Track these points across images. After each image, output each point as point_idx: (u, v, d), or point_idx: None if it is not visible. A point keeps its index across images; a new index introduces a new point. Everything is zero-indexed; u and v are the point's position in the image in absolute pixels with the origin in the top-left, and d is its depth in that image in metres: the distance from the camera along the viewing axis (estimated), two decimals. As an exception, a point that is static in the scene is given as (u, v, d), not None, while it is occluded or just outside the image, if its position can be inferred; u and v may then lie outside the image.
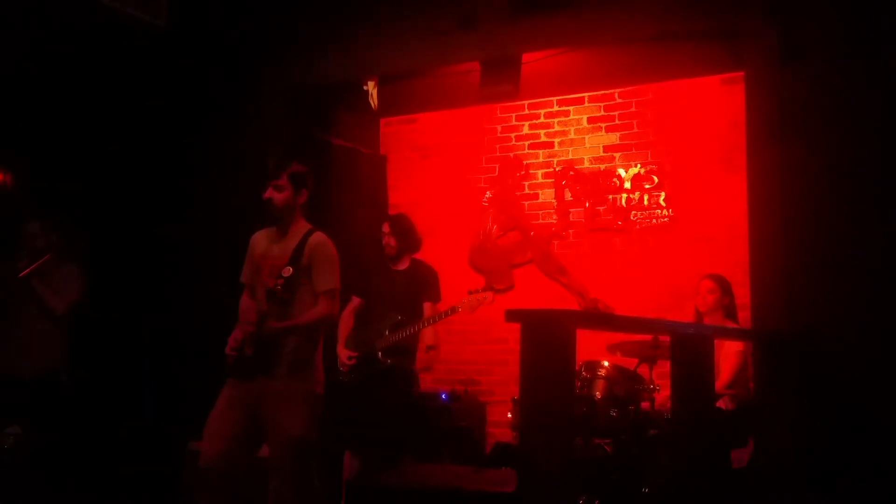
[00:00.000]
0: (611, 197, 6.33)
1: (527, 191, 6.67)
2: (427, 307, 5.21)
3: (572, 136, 6.54)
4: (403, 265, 5.31)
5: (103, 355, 5.25)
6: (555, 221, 6.52)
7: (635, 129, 6.31)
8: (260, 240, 4.01)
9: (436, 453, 5.67)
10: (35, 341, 4.76)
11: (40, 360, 4.75)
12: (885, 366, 4.28)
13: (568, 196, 6.48)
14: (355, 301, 5.34)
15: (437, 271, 5.33)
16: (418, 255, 5.39)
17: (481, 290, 5.07)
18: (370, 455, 5.03)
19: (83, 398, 4.92)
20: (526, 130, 6.71)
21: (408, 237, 5.33)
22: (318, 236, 3.90)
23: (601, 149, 6.42)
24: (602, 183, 6.36)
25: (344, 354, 5.14)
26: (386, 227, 5.33)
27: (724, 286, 5.06)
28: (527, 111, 6.69)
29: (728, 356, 4.85)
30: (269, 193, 3.86)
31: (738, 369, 4.83)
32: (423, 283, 5.27)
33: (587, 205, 6.40)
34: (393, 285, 5.21)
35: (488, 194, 6.77)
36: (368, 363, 5.08)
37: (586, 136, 6.49)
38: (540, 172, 6.63)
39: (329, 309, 3.83)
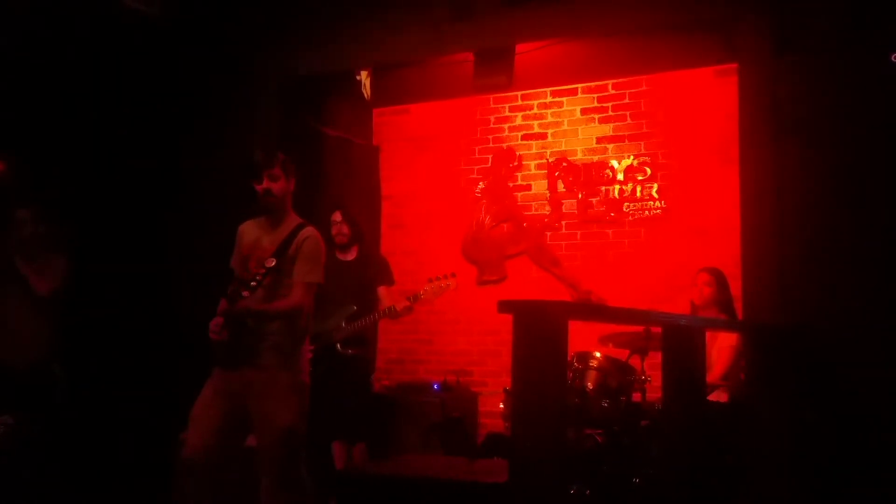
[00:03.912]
0: (603, 188, 6.33)
1: (520, 182, 6.67)
2: (382, 291, 5.25)
3: (565, 127, 6.54)
4: (352, 255, 5.32)
5: (94, 346, 5.23)
6: (547, 213, 6.52)
7: (628, 121, 6.31)
8: (249, 230, 3.99)
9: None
10: (20, 327, 4.73)
11: (29, 347, 4.73)
12: (876, 358, 4.30)
13: (561, 187, 6.49)
14: None
15: (385, 257, 5.37)
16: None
17: (443, 277, 5.09)
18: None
19: (75, 389, 4.90)
20: (519, 121, 6.70)
21: (358, 225, 5.37)
22: (309, 230, 3.88)
23: (594, 140, 6.42)
24: (595, 174, 6.36)
25: None
26: (338, 216, 5.32)
27: (721, 280, 5.07)
28: (520, 102, 6.69)
29: (722, 349, 4.86)
30: (266, 184, 3.83)
31: (731, 363, 4.84)
32: (376, 270, 5.32)
33: (580, 196, 6.40)
34: (344, 276, 5.18)
35: (481, 185, 6.77)
36: (327, 355, 5.07)
37: (579, 128, 6.49)
38: (533, 163, 6.63)
39: (301, 299, 3.78)
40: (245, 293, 3.61)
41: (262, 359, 3.72)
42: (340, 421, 5.13)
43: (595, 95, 6.45)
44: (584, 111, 6.48)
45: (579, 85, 6.49)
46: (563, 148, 6.52)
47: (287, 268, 3.77)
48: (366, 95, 6.79)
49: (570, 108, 6.53)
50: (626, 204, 6.24)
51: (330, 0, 5.91)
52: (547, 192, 6.54)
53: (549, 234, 6.51)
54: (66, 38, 5.27)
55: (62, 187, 5.17)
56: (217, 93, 5.92)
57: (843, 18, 4.54)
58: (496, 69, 6.03)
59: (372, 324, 5.17)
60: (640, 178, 6.21)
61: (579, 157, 6.45)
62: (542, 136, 6.61)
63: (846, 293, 4.41)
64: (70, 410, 4.81)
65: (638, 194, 6.21)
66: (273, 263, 3.68)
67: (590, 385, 4.59)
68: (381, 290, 5.29)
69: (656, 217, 6.15)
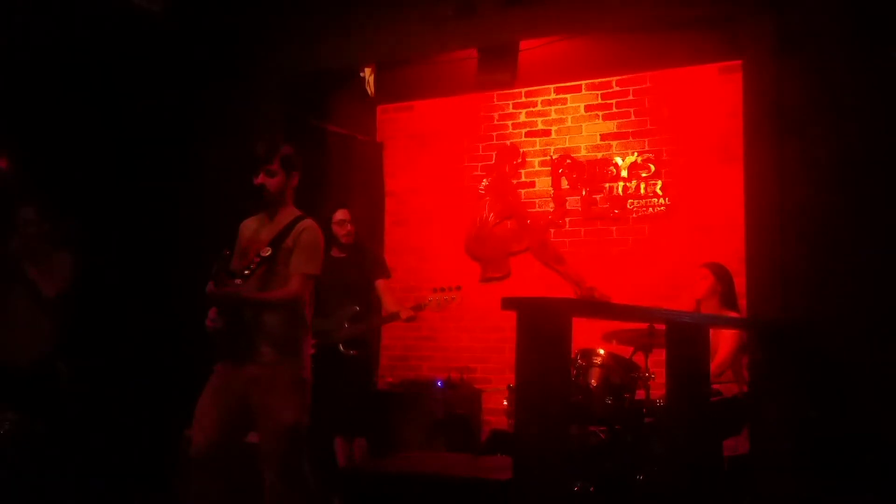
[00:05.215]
0: (607, 185, 6.32)
1: (523, 179, 6.66)
2: (381, 285, 5.23)
3: (569, 124, 6.53)
4: (345, 252, 5.29)
5: (97, 343, 5.24)
6: (551, 210, 6.51)
7: (632, 118, 6.30)
8: (249, 225, 3.99)
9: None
10: (27, 327, 4.75)
11: (34, 347, 4.75)
12: (880, 354, 4.29)
13: (564, 184, 6.48)
14: None
15: (377, 249, 5.34)
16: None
17: (448, 290, 5.07)
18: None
19: (79, 386, 4.91)
20: (523, 118, 6.70)
21: (356, 223, 5.34)
22: (307, 222, 3.87)
23: (598, 137, 6.41)
24: (599, 171, 6.35)
25: None
26: (346, 215, 5.27)
27: (718, 274, 5.08)
28: (524, 99, 6.68)
29: (724, 339, 4.87)
30: (261, 179, 3.82)
31: (734, 350, 4.85)
32: (372, 264, 5.30)
33: (584, 193, 6.39)
34: (341, 273, 5.13)
35: (485, 182, 6.76)
36: (328, 354, 5.01)
37: (583, 125, 6.48)
38: (536, 160, 6.62)
39: (298, 290, 3.76)
40: (238, 281, 3.59)
41: (264, 354, 3.71)
42: (341, 419, 5.12)
43: (599, 92, 6.44)
44: (587, 108, 6.47)
45: (583, 82, 6.48)
46: (567, 145, 6.51)
47: (284, 259, 3.76)
48: (369, 92, 6.77)
49: (573, 104, 6.52)
50: (629, 201, 6.24)
51: (334, -4, 5.92)
52: (551, 189, 6.53)
53: (552, 231, 6.51)
54: (70, 36, 5.28)
55: (66, 185, 5.18)
56: (220, 90, 5.93)
57: (847, 16, 4.53)
58: (500, 66, 6.02)
59: (375, 327, 5.14)
60: (643, 174, 6.20)
61: (583, 153, 6.44)
62: (546, 133, 6.60)
63: (850, 290, 4.41)
64: (74, 407, 4.82)
65: (642, 191, 6.20)
66: (269, 253, 3.67)
67: (593, 382, 4.58)
68: (381, 285, 5.26)
69: (660, 214, 6.14)
